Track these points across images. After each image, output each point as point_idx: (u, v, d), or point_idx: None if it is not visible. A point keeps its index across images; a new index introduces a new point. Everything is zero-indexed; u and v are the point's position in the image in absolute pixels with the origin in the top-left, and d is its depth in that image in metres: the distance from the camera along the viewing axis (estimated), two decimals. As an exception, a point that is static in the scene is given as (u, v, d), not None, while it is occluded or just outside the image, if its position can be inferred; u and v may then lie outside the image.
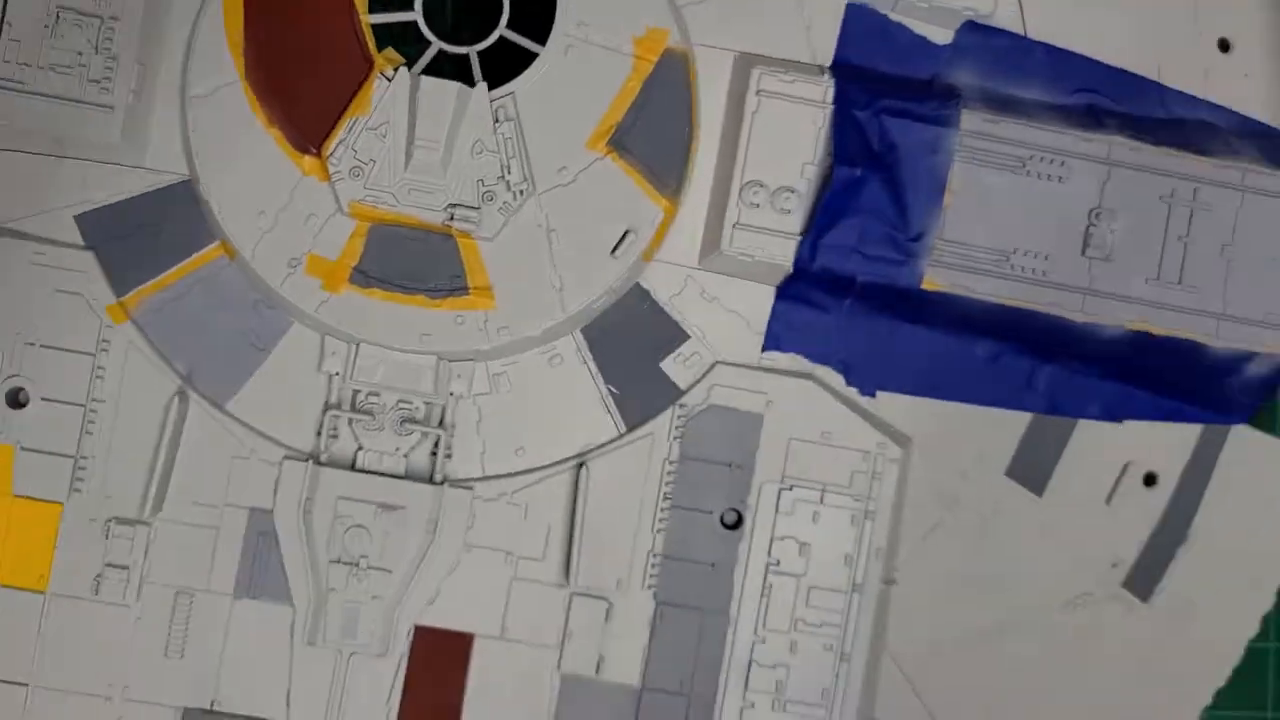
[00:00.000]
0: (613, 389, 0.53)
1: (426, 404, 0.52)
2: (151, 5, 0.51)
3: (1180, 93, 0.56)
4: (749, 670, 0.53)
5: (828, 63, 0.54)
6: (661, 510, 0.53)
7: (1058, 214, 0.54)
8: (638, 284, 0.53)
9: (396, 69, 0.51)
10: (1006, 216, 0.53)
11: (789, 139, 0.53)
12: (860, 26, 0.54)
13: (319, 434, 0.52)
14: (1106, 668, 0.56)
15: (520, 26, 0.52)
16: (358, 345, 0.52)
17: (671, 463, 0.53)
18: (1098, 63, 0.56)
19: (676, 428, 0.53)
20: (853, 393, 0.55)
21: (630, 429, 0.53)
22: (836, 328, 0.54)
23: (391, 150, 0.50)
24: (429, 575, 0.52)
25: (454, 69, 0.52)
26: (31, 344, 0.51)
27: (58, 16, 0.49)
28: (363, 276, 0.51)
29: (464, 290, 0.51)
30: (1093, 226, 0.54)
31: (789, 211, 0.53)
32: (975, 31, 0.55)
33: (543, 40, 0.52)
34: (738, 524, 0.53)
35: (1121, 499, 0.56)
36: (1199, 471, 0.57)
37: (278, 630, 0.52)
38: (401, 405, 0.52)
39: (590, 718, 0.53)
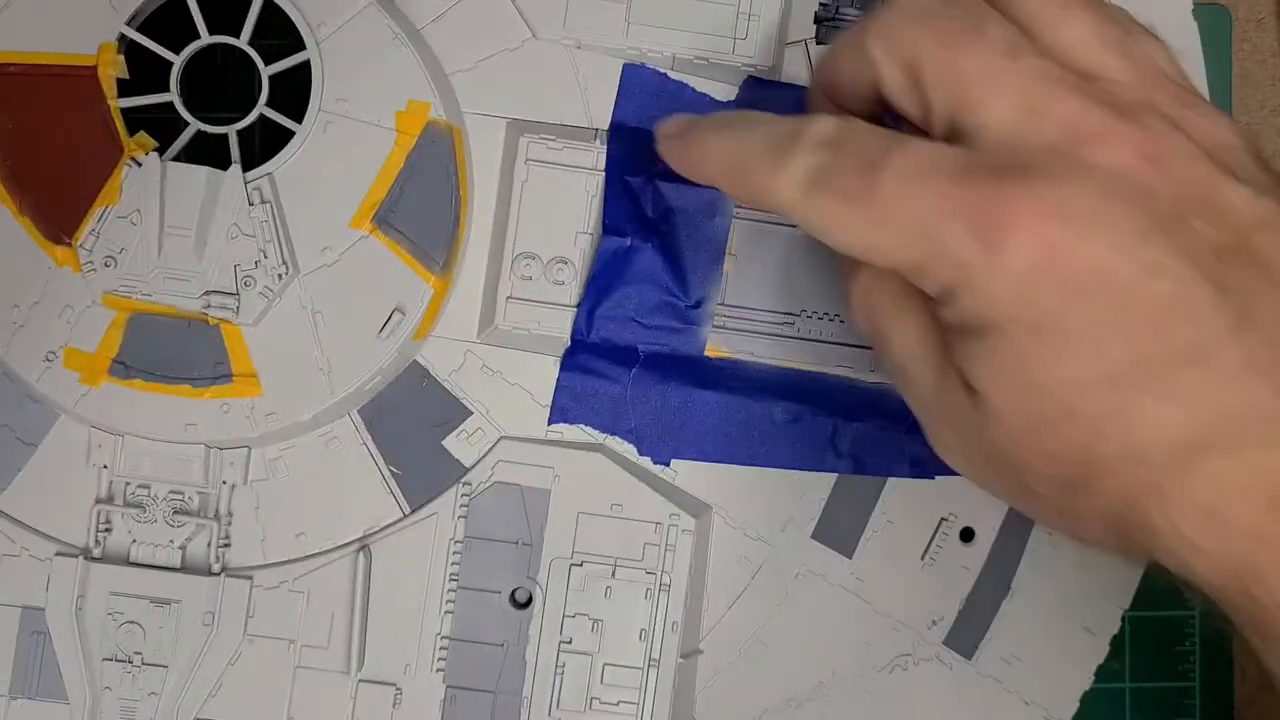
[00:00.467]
0: (394, 469, 0.52)
1: (199, 494, 0.51)
2: (-106, 95, 0.49)
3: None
4: (545, 752, 0.52)
5: (605, 125, 0.53)
6: (449, 591, 0.52)
7: (845, 273, 0.52)
8: (416, 361, 0.52)
9: (149, 153, 0.49)
10: (791, 278, 0.52)
11: (561, 208, 0.52)
12: (638, 86, 0.53)
13: (91, 529, 0.51)
14: (932, 728, 0.55)
15: (287, 104, 0.51)
16: (123, 437, 0.51)
17: (457, 542, 0.52)
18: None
19: (461, 506, 0.52)
20: (645, 463, 0.53)
21: (414, 509, 0.52)
22: (624, 397, 0.52)
23: (144, 238, 0.49)
24: (209, 668, 0.51)
25: (217, 150, 0.51)
26: None
27: None
28: (123, 368, 0.50)
29: (228, 378, 0.50)
30: (880, 285, 0.52)
31: (563, 283, 0.52)
32: (759, 87, 0.53)
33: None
34: (528, 603, 0.52)
35: (938, 556, 0.55)
36: (1019, 522, 0.55)
37: (55, 730, 0.51)
38: (173, 496, 0.51)
39: (381, 806, 0.52)
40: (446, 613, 0.52)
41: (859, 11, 0.54)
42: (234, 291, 0.49)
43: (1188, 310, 0.37)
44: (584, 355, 0.52)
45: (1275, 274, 0.38)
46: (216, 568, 0.51)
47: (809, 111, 0.47)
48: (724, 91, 0.53)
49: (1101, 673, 0.56)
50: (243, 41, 0.51)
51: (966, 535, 0.55)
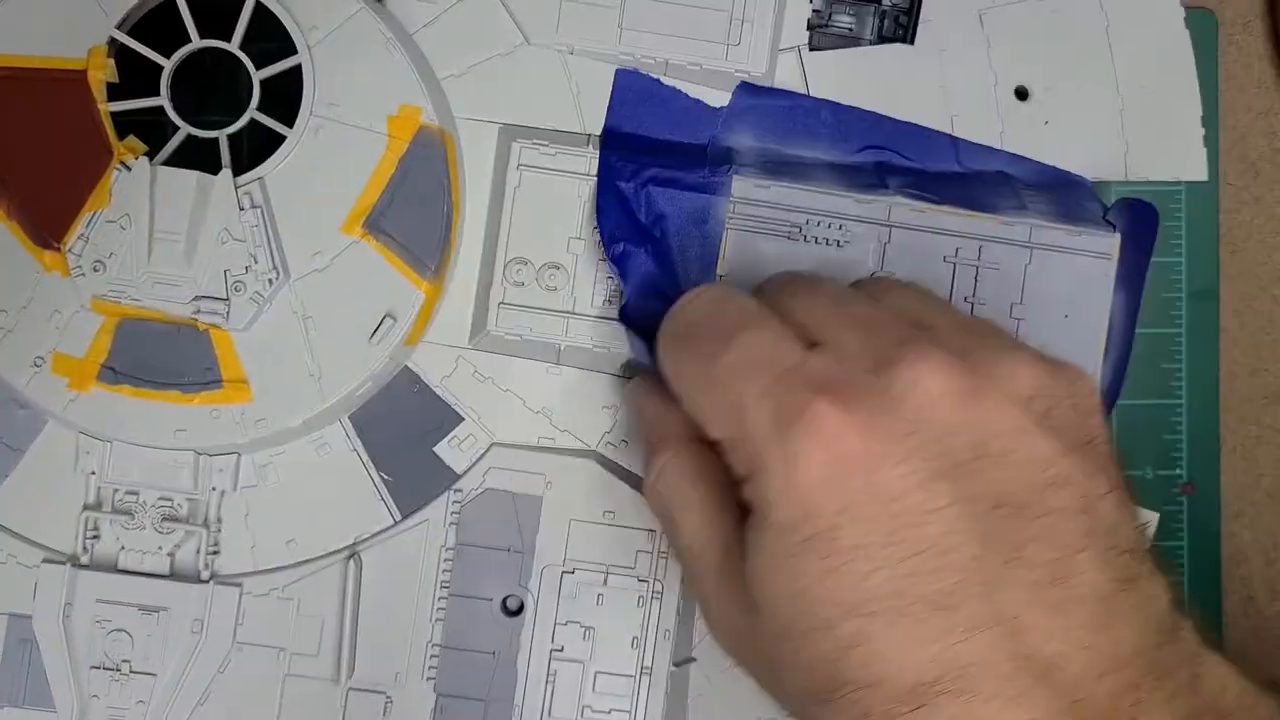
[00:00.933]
0: (385, 476, 0.52)
1: (189, 500, 0.51)
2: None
3: (974, 144, 0.55)
4: (536, 760, 0.51)
5: (598, 131, 0.52)
6: (440, 599, 0.52)
7: (838, 279, 0.52)
8: (407, 367, 0.52)
9: (138, 157, 0.49)
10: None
11: (553, 213, 0.51)
12: (630, 92, 0.52)
13: (79, 535, 0.51)
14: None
15: (278, 109, 0.51)
16: (111, 444, 0.50)
17: (448, 550, 0.52)
18: (884, 118, 0.54)
19: (452, 513, 0.52)
20: (636, 470, 0.53)
21: (405, 516, 0.52)
22: None
23: (133, 243, 0.49)
24: (198, 676, 0.51)
25: (207, 154, 0.50)
26: None
27: None
28: (111, 373, 0.49)
29: (218, 383, 0.50)
30: (873, 291, 0.52)
31: (555, 289, 0.51)
32: (751, 93, 0.53)
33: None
34: (519, 610, 0.52)
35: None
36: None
37: (44, 739, 0.50)
38: (162, 503, 0.51)
39: (371, 816, 0.51)
40: (437, 620, 0.51)
41: (851, 17, 0.54)
42: (224, 297, 0.49)
43: (950, 559, 0.38)
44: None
45: (1053, 534, 0.39)
46: (205, 575, 0.51)
47: None
48: (717, 98, 0.53)
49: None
50: (233, 45, 0.50)
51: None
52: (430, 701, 0.51)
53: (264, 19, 0.50)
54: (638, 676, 0.52)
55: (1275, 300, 0.61)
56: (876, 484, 0.38)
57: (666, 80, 0.53)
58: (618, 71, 0.52)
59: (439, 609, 0.51)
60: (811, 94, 0.54)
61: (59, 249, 0.49)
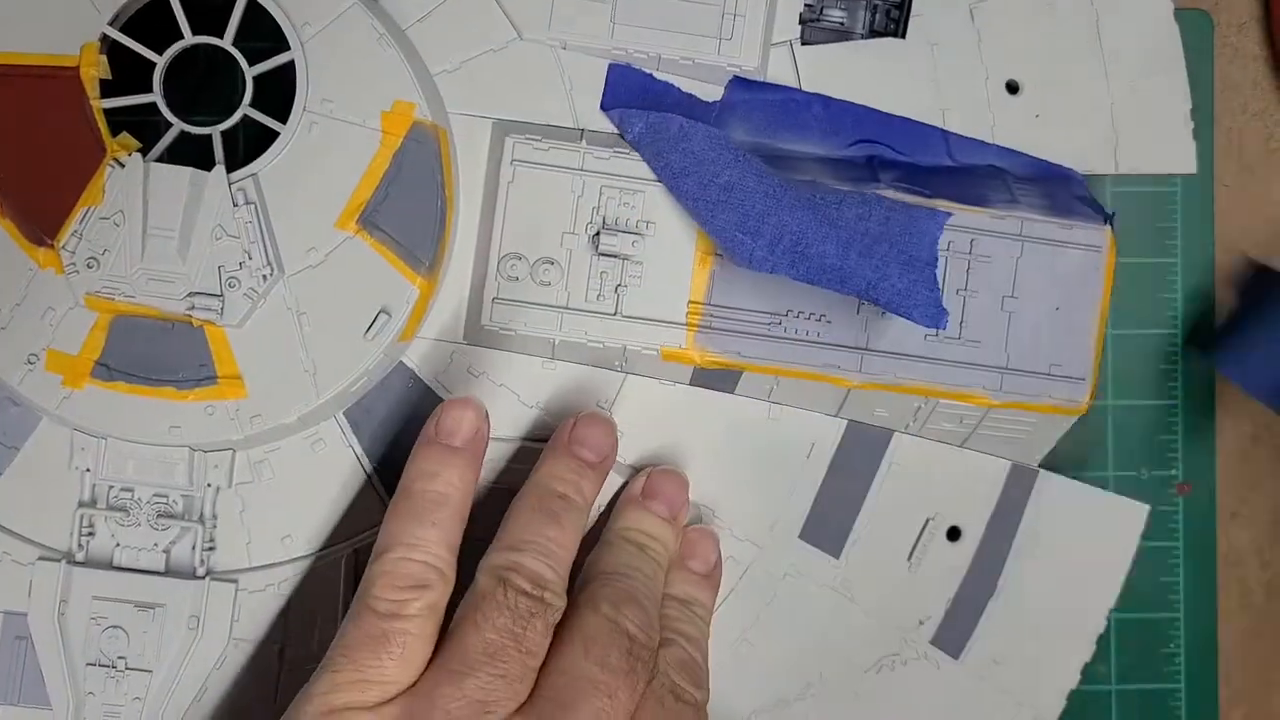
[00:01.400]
0: (381, 471, 0.52)
1: (184, 497, 0.51)
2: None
3: (966, 139, 0.55)
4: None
5: (592, 126, 0.53)
6: (435, 594, 0.52)
7: (831, 273, 0.52)
8: (402, 363, 0.52)
9: (132, 154, 0.49)
10: (777, 279, 0.52)
11: (547, 208, 0.52)
12: (624, 87, 0.53)
13: (74, 532, 0.50)
14: (919, 728, 0.55)
15: (271, 105, 0.51)
16: (106, 440, 0.50)
17: (444, 545, 0.52)
18: (876, 112, 0.54)
19: (448, 508, 0.52)
20: (630, 464, 0.53)
21: (400, 511, 0.52)
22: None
23: (127, 240, 0.49)
24: (194, 673, 0.51)
25: (200, 151, 0.50)
26: None
27: None
28: (105, 370, 0.49)
29: (213, 380, 0.50)
30: (866, 285, 0.52)
31: (549, 284, 0.51)
32: (744, 87, 0.53)
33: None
34: (515, 604, 0.52)
35: (924, 556, 0.55)
36: (1004, 522, 0.55)
37: (39, 736, 0.50)
38: (157, 499, 0.51)
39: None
40: (433, 615, 0.51)
41: (843, 12, 0.54)
42: (218, 293, 0.49)
43: None
44: None
45: None
46: (201, 571, 0.51)
47: None
48: (710, 92, 0.53)
49: (1088, 675, 0.56)
50: (226, 42, 0.50)
51: (953, 535, 0.55)
52: (427, 696, 0.51)
53: (257, 15, 0.50)
54: (634, 670, 0.52)
55: (1267, 297, 0.61)
56: None
57: (659, 75, 0.53)
58: (610, 66, 0.52)
59: (435, 604, 0.51)
60: (804, 88, 0.54)
61: (53, 246, 0.49)
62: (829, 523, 0.54)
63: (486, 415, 0.49)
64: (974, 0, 0.55)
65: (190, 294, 0.49)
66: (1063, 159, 0.55)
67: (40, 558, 0.50)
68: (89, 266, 0.49)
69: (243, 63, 0.50)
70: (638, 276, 0.52)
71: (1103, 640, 0.56)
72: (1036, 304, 0.53)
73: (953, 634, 0.55)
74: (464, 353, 0.52)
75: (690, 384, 0.53)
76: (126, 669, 0.50)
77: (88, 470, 0.50)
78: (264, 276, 0.49)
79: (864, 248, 0.50)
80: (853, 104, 0.54)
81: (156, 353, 0.50)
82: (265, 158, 0.50)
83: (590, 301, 0.52)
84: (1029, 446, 0.56)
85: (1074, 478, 0.55)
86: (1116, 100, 0.55)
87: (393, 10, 0.51)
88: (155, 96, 0.50)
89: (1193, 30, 0.56)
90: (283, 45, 0.50)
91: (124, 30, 0.50)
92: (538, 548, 0.46)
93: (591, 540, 0.51)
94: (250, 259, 0.49)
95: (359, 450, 0.52)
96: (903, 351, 0.53)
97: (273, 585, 0.51)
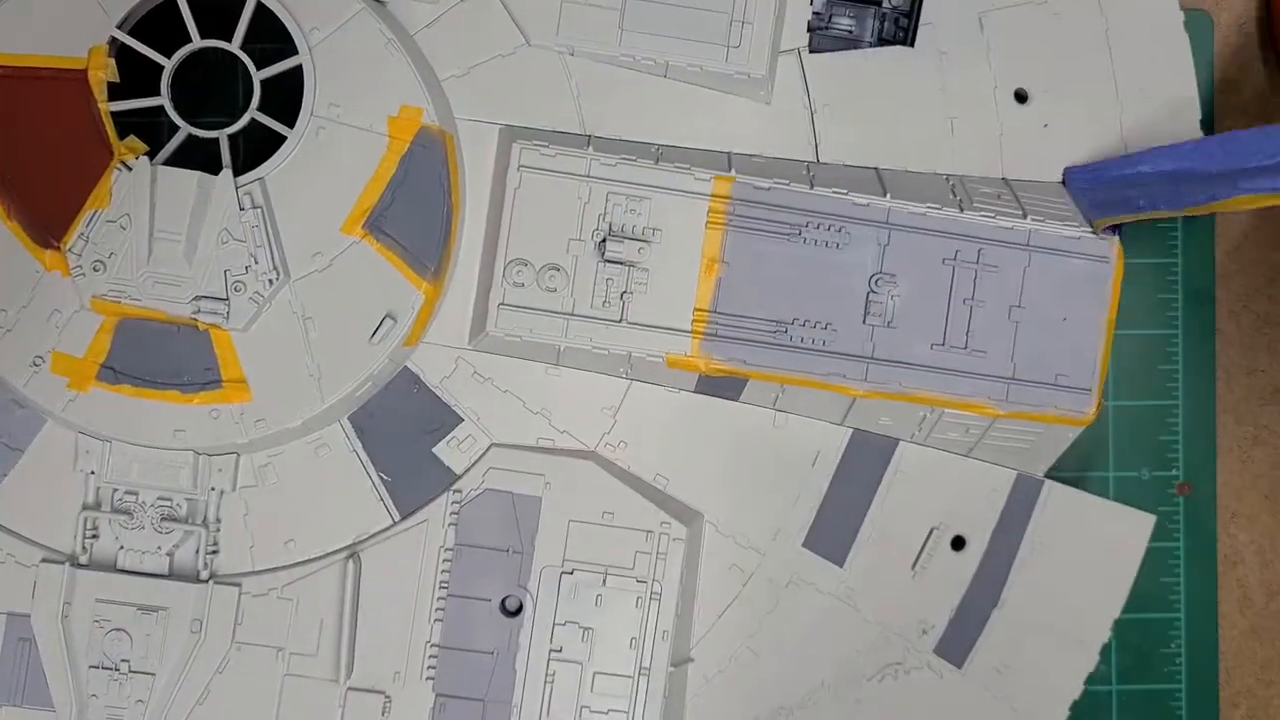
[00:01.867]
0: (384, 476, 0.52)
1: (188, 500, 0.51)
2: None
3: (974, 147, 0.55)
4: (534, 760, 0.52)
5: (598, 132, 0.52)
6: (439, 599, 0.52)
7: (838, 281, 0.52)
8: (407, 368, 0.52)
9: (139, 157, 0.49)
10: (783, 286, 0.52)
11: (553, 214, 0.51)
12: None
13: (78, 535, 0.51)
14: (921, 737, 0.55)
15: (279, 109, 0.51)
16: (110, 443, 0.50)
17: (447, 550, 0.52)
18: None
19: (451, 514, 0.52)
20: (635, 471, 0.53)
21: (404, 517, 0.52)
22: None
23: (133, 243, 0.49)
24: (196, 675, 0.51)
25: (208, 154, 0.51)
26: None
27: None
28: (111, 373, 0.49)
29: (218, 384, 0.50)
30: (873, 293, 0.52)
31: (555, 290, 0.51)
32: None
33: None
34: (518, 611, 0.52)
35: (928, 564, 0.55)
36: (1009, 532, 0.55)
37: (42, 738, 0.50)
38: (161, 502, 0.51)
39: (369, 815, 0.51)
40: (436, 620, 0.51)
41: (852, 20, 0.54)
42: (224, 297, 0.49)
43: None
44: None
45: None
46: (205, 575, 0.51)
47: None
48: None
49: (1089, 677, 0.56)
50: (234, 46, 0.50)
51: (957, 544, 0.55)
52: (429, 701, 0.51)
53: (265, 19, 0.50)
54: (636, 677, 0.52)
55: (1272, 301, 0.61)
56: None
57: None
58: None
59: (438, 609, 0.51)
60: (811, 96, 0.54)
61: (59, 249, 0.49)
62: (833, 531, 0.54)
63: None
64: (983, 9, 0.54)
65: (196, 298, 0.49)
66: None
67: (44, 560, 0.51)
68: (95, 269, 0.49)
69: (250, 67, 0.50)
70: (643, 283, 0.52)
71: (1106, 646, 0.56)
72: (1043, 314, 0.53)
73: (956, 643, 0.55)
74: (469, 358, 0.52)
75: (695, 391, 0.53)
76: (130, 671, 0.50)
77: (92, 473, 0.51)
78: (270, 281, 0.49)
79: None
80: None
81: (162, 356, 0.50)
82: (272, 162, 0.50)
83: (596, 308, 0.52)
84: (1034, 457, 0.55)
85: (1075, 478, 0.55)
86: (1125, 109, 0.55)
87: (401, 15, 0.51)
88: (163, 100, 0.50)
89: (1193, 30, 0.56)
90: (291, 49, 0.50)
91: (132, 33, 0.50)
92: None
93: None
94: (256, 263, 0.49)
95: (363, 455, 0.52)
96: (908, 361, 0.52)
97: (275, 589, 0.51)
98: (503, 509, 0.52)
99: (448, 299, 0.52)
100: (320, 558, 0.52)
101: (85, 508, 0.51)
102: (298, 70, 0.50)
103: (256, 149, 0.51)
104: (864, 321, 0.52)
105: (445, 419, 0.52)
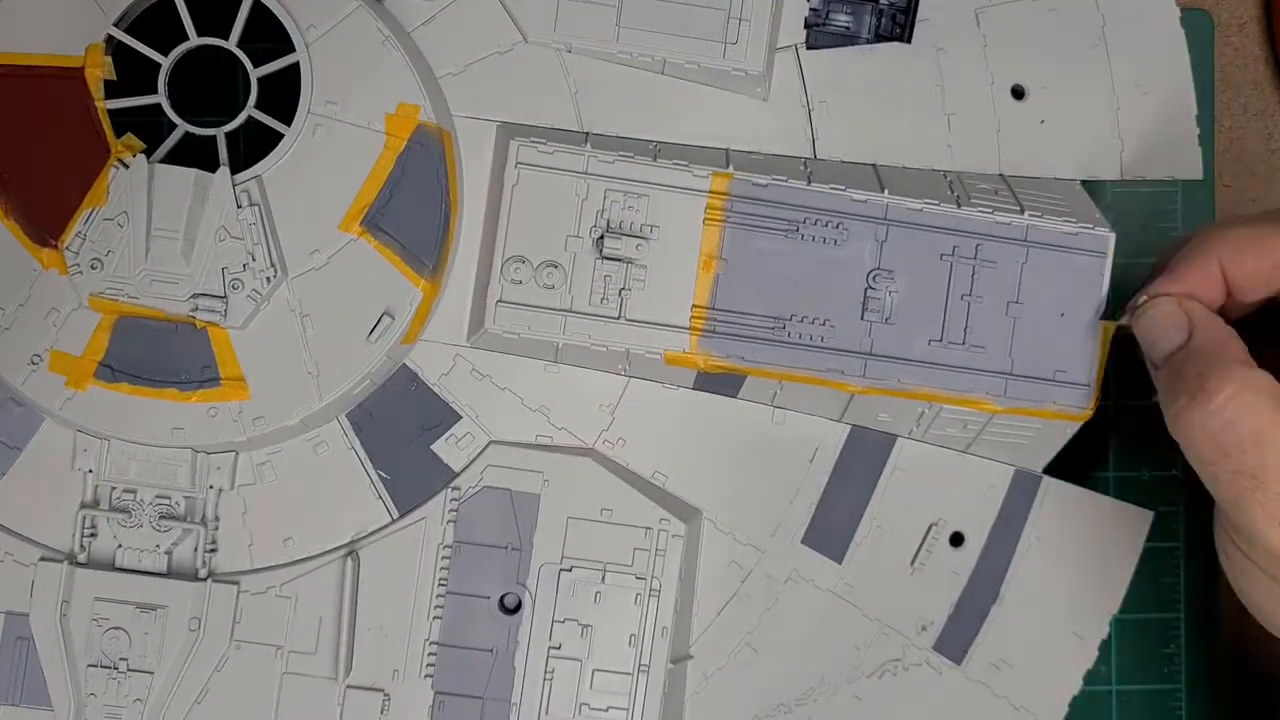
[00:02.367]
0: (383, 474, 0.52)
1: (186, 498, 0.51)
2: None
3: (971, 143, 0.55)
4: (533, 758, 0.52)
5: (595, 129, 0.53)
6: (437, 596, 0.52)
7: (836, 277, 0.52)
8: (405, 365, 0.52)
9: (136, 155, 0.49)
10: (781, 282, 0.52)
11: (551, 211, 0.51)
12: None
13: (76, 533, 0.51)
14: (922, 733, 0.55)
15: (276, 107, 0.51)
16: (108, 441, 0.50)
17: (446, 547, 0.52)
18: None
19: (450, 511, 0.52)
20: (633, 468, 0.53)
21: (403, 514, 0.52)
22: None
23: (131, 240, 0.49)
24: (195, 674, 0.51)
25: (205, 152, 0.50)
26: None
27: None
28: (109, 371, 0.49)
29: (216, 381, 0.50)
30: (870, 289, 0.52)
31: (553, 287, 0.51)
32: (749, 91, 0.53)
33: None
34: (517, 608, 0.52)
35: (927, 561, 0.55)
36: (1008, 528, 0.55)
37: (40, 737, 0.50)
38: (159, 501, 0.51)
39: (369, 814, 0.51)
40: (435, 618, 0.51)
41: (849, 16, 0.54)
42: (222, 294, 0.49)
43: None
44: None
45: None
46: (203, 573, 0.51)
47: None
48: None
49: (1088, 675, 0.56)
50: (231, 43, 0.50)
51: (956, 540, 0.55)
52: (428, 699, 0.51)
53: (262, 17, 0.50)
54: (635, 674, 0.52)
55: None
56: None
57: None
58: None
59: (437, 607, 0.51)
60: (808, 92, 0.54)
61: (57, 247, 0.49)
62: (832, 527, 0.54)
63: None
64: (980, 5, 0.54)
65: (194, 295, 0.49)
66: (1067, 164, 0.55)
67: (42, 558, 0.50)
68: (93, 267, 0.49)
69: (247, 64, 0.50)
70: (641, 280, 0.52)
71: (1104, 640, 0.56)
72: (1041, 309, 0.53)
73: (955, 640, 0.55)
74: (467, 355, 0.52)
75: (693, 388, 0.53)
76: (128, 670, 0.50)
77: (90, 471, 0.51)
78: (267, 278, 0.49)
79: None
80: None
81: (160, 354, 0.50)
82: (269, 159, 0.50)
83: (594, 305, 0.52)
84: (1033, 452, 0.55)
85: (1075, 478, 0.55)
86: (1122, 106, 0.55)
87: (398, 12, 0.51)
88: (160, 98, 0.50)
89: (1193, 30, 0.56)
90: (287, 47, 0.50)
91: (129, 31, 0.50)
92: None
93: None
94: (254, 261, 0.49)
95: (361, 453, 0.52)
96: (906, 357, 0.52)
97: (274, 587, 0.51)
98: (501, 506, 0.52)
99: (445, 296, 0.52)
100: (319, 555, 0.52)
101: (83, 506, 0.51)
102: (295, 68, 0.50)
103: (254, 147, 0.51)
104: (862, 317, 0.52)
105: (443, 416, 0.52)
